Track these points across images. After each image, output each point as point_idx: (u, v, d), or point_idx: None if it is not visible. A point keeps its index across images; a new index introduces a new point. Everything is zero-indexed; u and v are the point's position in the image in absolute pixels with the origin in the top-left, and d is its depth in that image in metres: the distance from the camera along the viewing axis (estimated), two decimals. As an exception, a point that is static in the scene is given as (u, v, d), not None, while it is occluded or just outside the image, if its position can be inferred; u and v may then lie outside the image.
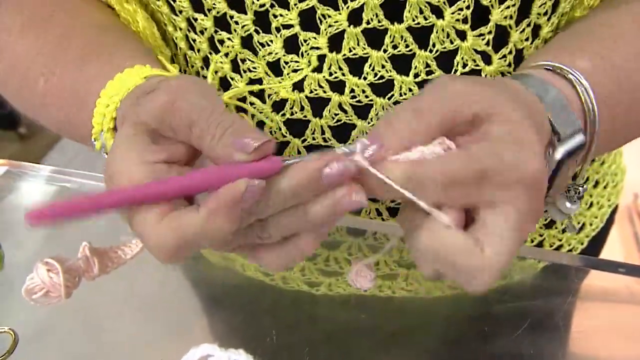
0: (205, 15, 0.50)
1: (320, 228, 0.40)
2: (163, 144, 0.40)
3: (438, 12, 0.48)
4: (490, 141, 0.38)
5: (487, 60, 0.51)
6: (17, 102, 0.57)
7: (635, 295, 0.63)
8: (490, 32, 0.49)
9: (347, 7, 0.48)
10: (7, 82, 0.56)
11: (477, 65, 0.51)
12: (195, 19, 0.51)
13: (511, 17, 0.49)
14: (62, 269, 0.51)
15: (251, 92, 0.53)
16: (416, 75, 0.50)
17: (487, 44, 0.50)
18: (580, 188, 0.49)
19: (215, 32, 0.51)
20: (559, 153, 0.43)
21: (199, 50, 0.53)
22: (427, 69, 0.50)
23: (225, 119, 0.38)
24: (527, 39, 0.51)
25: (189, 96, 0.39)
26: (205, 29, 0.51)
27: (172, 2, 0.51)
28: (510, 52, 0.51)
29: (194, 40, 0.53)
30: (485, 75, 0.51)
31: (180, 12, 0.51)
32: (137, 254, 0.55)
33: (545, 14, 0.51)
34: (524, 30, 0.50)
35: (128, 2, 0.53)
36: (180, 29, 0.53)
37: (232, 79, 0.52)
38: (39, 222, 0.34)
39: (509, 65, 0.51)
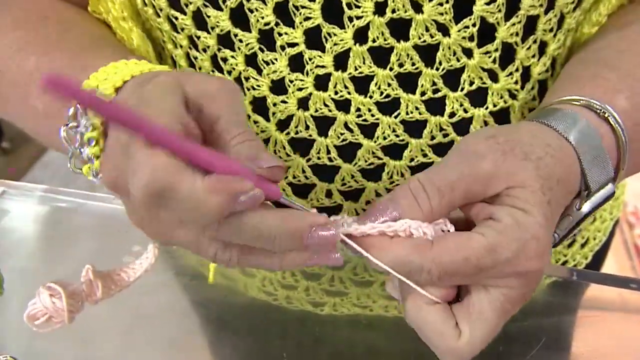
0: (209, 33, 0.49)
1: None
2: (189, 116, 0.38)
3: (444, 30, 0.47)
4: (495, 230, 0.38)
5: (494, 77, 0.50)
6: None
7: (637, 307, 0.62)
8: (496, 50, 0.49)
9: (353, 26, 0.47)
10: None
11: (484, 83, 0.50)
12: (198, 37, 0.50)
13: (517, 34, 0.49)
14: (66, 294, 0.50)
15: (255, 110, 0.52)
16: (423, 94, 0.50)
17: (494, 61, 0.49)
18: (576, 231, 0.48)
19: (219, 50, 0.50)
20: (587, 207, 0.43)
21: (200, 68, 0.52)
22: (434, 87, 0.49)
23: (250, 131, 0.38)
24: (533, 56, 0.51)
25: (232, 96, 0.39)
26: (208, 47, 0.50)
27: (173, 20, 0.50)
28: (517, 70, 0.51)
29: (196, 58, 0.52)
30: (493, 93, 0.50)
31: (182, 29, 0.51)
32: (140, 276, 0.54)
33: (551, 30, 0.50)
34: (530, 47, 0.50)
35: (125, 20, 0.52)
36: (181, 46, 0.52)
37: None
38: (54, 88, 0.32)
39: (516, 82, 0.51)
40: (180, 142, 0.35)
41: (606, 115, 0.44)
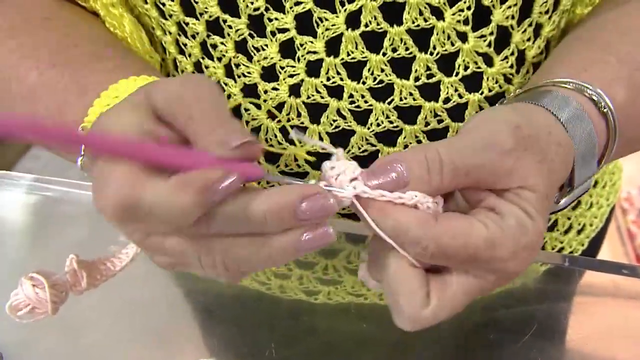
0: (197, 19, 0.48)
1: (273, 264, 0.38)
2: (161, 125, 0.37)
3: (438, 14, 0.46)
4: (496, 224, 0.37)
5: (489, 62, 0.49)
6: None
7: (629, 293, 0.62)
8: (491, 33, 0.48)
9: (345, 10, 0.46)
10: None
11: (479, 68, 0.49)
12: (187, 23, 0.49)
13: (513, 17, 0.48)
14: (48, 284, 0.49)
15: (245, 98, 0.51)
16: (417, 79, 0.49)
17: (489, 45, 0.48)
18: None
19: (208, 36, 0.49)
20: (564, 202, 0.43)
21: (190, 55, 0.51)
22: (428, 72, 0.48)
23: (223, 118, 0.36)
24: (529, 39, 0.50)
25: (200, 90, 0.36)
26: (197, 34, 0.49)
27: (161, 6, 0.49)
28: (512, 54, 0.50)
29: (185, 45, 0.51)
30: (488, 78, 0.49)
31: (170, 16, 0.49)
32: (126, 265, 0.53)
33: (547, 12, 0.49)
34: (525, 30, 0.49)
35: (114, 6, 0.51)
36: (170, 33, 0.51)
37: (225, 84, 0.50)
38: (8, 131, 0.31)
39: (511, 66, 0.50)
40: (139, 147, 0.34)
41: (605, 110, 0.43)
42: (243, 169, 0.35)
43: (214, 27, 0.48)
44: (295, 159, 0.52)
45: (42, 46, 0.50)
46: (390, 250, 0.37)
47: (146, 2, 0.50)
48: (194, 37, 0.50)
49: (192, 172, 0.33)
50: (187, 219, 0.34)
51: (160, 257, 0.38)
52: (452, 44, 0.48)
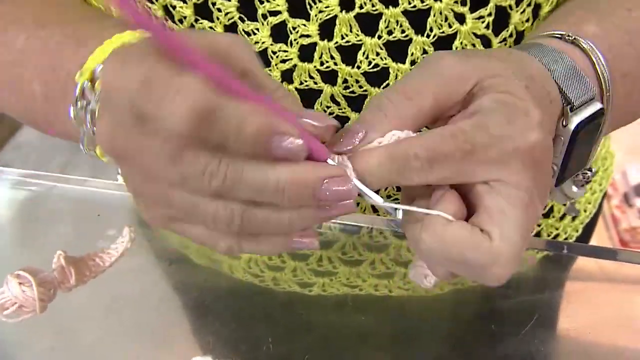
0: (185, 2, 0.46)
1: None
2: None
3: None
4: (479, 114, 0.35)
5: (487, 44, 0.48)
6: None
7: (617, 277, 0.61)
8: (490, 14, 0.47)
9: None
10: None
11: (477, 50, 0.48)
12: (174, 7, 0.47)
13: None
14: (36, 282, 0.47)
15: None
16: (413, 63, 0.47)
17: (487, 26, 0.47)
18: (589, 172, 0.46)
19: (196, 20, 0.47)
20: (573, 123, 0.40)
21: None
22: (425, 55, 0.47)
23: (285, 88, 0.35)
24: (527, 20, 0.49)
25: (247, 47, 0.34)
26: (185, 18, 0.47)
27: (146, -10, 0.47)
28: (510, 35, 0.48)
29: (172, 30, 0.49)
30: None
31: None
32: (116, 260, 0.51)
33: None
34: (524, 10, 0.48)
35: None
36: (157, 17, 0.49)
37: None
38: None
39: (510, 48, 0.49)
40: (233, 79, 0.31)
41: (572, 38, 0.42)
42: (313, 146, 0.33)
43: (203, 10, 0.46)
44: None
45: (27, 13, 0.47)
46: (421, 224, 0.35)
47: None
48: (181, 21, 0.48)
49: (270, 106, 0.31)
50: (252, 144, 0.31)
51: (159, 210, 0.35)
52: (450, 26, 0.46)
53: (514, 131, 0.34)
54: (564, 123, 0.40)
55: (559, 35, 0.42)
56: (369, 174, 0.35)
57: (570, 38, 0.42)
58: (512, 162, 0.34)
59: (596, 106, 0.41)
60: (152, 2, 0.48)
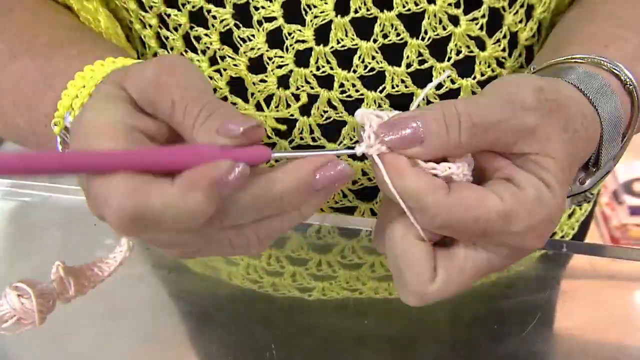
0: (180, 10, 0.46)
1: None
2: (144, 117, 0.34)
3: None
4: (512, 196, 0.34)
5: (481, 45, 0.48)
6: None
7: (609, 274, 0.61)
8: (483, 16, 0.47)
9: None
10: None
11: (471, 52, 0.48)
12: (168, 15, 0.47)
13: None
14: (35, 293, 0.47)
15: (232, 91, 0.49)
16: (408, 66, 0.47)
17: (481, 28, 0.47)
18: (590, 195, 0.46)
19: (191, 28, 0.47)
20: (589, 183, 0.41)
21: (172, 49, 0.49)
22: (420, 58, 0.47)
23: (212, 101, 0.33)
24: (520, 21, 0.49)
25: (178, 72, 0.34)
26: (180, 25, 0.47)
27: (140, -2, 0.47)
28: (504, 37, 0.49)
29: (167, 38, 0.49)
30: (480, 62, 0.48)
31: (151, 7, 0.47)
32: (115, 270, 0.51)
33: None
34: (517, 11, 0.48)
35: (88, 0, 0.49)
36: (150, 26, 0.49)
37: (211, 77, 0.49)
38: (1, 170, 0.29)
39: (504, 49, 0.49)
40: (132, 155, 0.31)
41: (631, 87, 0.41)
42: (250, 154, 0.33)
43: (198, 18, 0.46)
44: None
45: (0, 40, 0.47)
46: (398, 220, 0.35)
47: None
48: (176, 29, 0.48)
49: (198, 169, 0.31)
50: (202, 218, 0.31)
51: (174, 250, 0.36)
52: (444, 28, 0.46)
53: (528, 234, 0.35)
54: (580, 181, 0.41)
55: (622, 78, 0.41)
56: (382, 182, 0.35)
57: (627, 84, 0.41)
58: (504, 248, 0.36)
59: (610, 167, 0.42)
60: (146, 11, 0.48)
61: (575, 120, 0.37)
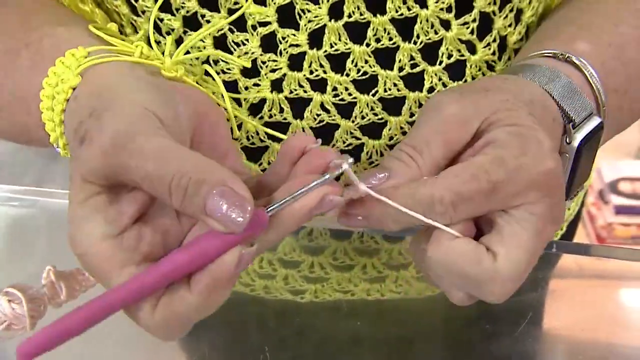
0: (173, 15, 0.46)
1: None
2: (123, 196, 0.34)
3: (422, 2, 0.46)
4: (494, 147, 0.36)
5: (472, 49, 0.49)
6: None
7: (596, 273, 0.62)
8: (474, 20, 0.47)
9: (328, 1, 0.45)
10: None
11: (462, 56, 0.48)
12: (161, 20, 0.47)
13: (495, 3, 0.47)
14: (26, 299, 0.47)
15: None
16: (401, 69, 0.48)
17: (472, 32, 0.48)
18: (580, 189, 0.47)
19: (185, 32, 0.47)
20: (577, 140, 0.41)
21: (163, 53, 0.49)
22: (412, 61, 0.48)
23: (190, 166, 0.32)
24: (510, 25, 0.50)
25: (132, 144, 0.33)
26: (173, 30, 0.47)
27: (133, 2, 0.47)
28: (494, 40, 0.49)
29: (158, 42, 0.49)
30: (471, 66, 0.49)
31: (144, 12, 0.47)
32: (106, 274, 0.51)
33: None
34: (507, 16, 0.49)
35: (83, 2, 0.49)
36: (143, 30, 0.49)
37: (205, 82, 0.49)
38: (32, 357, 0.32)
39: (494, 53, 0.50)
40: (149, 281, 0.33)
41: (566, 56, 0.43)
42: (250, 234, 0.33)
43: (191, 22, 0.46)
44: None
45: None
46: (428, 246, 0.36)
47: None
48: (168, 33, 0.48)
49: (208, 271, 0.32)
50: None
51: None
52: (436, 32, 0.47)
53: (529, 161, 0.35)
54: (567, 140, 0.42)
55: (552, 54, 0.44)
56: (392, 216, 0.36)
57: (563, 56, 0.43)
58: (529, 191, 0.35)
59: (596, 120, 0.42)
60: (139, 15, 0.48)
61: (494, 83, 0.40)
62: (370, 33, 0.46)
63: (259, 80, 0.48)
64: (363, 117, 0.49)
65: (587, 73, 0.43)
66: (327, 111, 0.49)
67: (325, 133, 0.50)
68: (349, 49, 0.47)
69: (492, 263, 0.35)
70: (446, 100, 0.38)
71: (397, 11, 0.45)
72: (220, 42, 0.47)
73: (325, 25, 0.45)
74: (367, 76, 0.48)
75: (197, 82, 0.45)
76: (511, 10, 0.49)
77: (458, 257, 0.35)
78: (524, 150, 0.35)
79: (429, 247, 0.36)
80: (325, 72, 0.47)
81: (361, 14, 0.45)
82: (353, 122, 0.49)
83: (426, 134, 0.37)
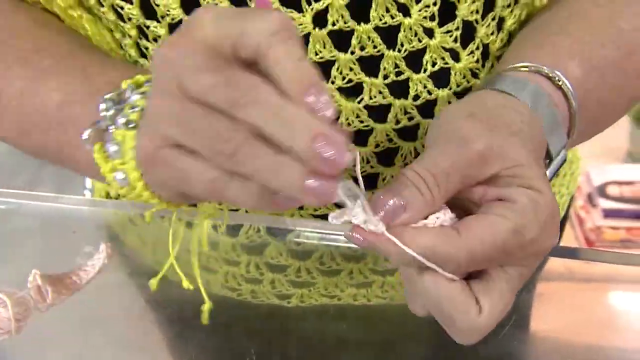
0: (159, 22, 0.47)
1: None
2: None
3: (405, 10, 0.46)
4: (513, 212, 0.36)
5: (456, 57, 0.49)
6: None
7: (585, 276, 0.63)
8: (457, 29, 0.48)
9: (312, 9, 0.45)
10: None
11: (446, 63, 0.49)
12: (147, 27, 0.47)
13: (477, 12, 0.48)
14: (11, 302, 0.47)
15: None
16: (385, 77, 0.48)
17: (455, 40, 0.48)
18: None
19: None
20: (548, 174, 0.43)
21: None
22: (397, 69, 0.48)
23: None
24: (492, 33, 0.50)
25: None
26: (159, 37, 0.47)
27: (119, 9, 0.47)
28: (477, 48, 0.50)
29: (147, 49, 0.49)
30: (455, 73, 0.50)
31: (130, 19, 0.48)
32: (93, 277, 0.51)
33: (509, 5, 0.50)
34: (489, 24, 0.49)
35: (72, 8, 0.49)
36: (130, 36, 0.49)
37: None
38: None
39: (477, 61, 0.50)
40: None
41: (559, 82, 0.43)
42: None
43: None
44: None
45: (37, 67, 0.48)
46: (424, 273, 0.37)
47: (102, 5, 0.48)
48: (155, 40, 0.48)
49: None
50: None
51: (166, 128, 0.34)
52: (420, 41, 0.47)
53: (544, 239, 0.37)
54: None
55: (546, 74, 0.44)
56: (401, 255, 0.36)
57: (556, 80, 0.43)
58: (531, 258, 0.38)
59: (563, 156, 0.43)
60: (125, 22, 0.48)
61: (514, 120, 0.39)
62: (354, 41, 0.47)
63: None
64: (349, 125, 0.49)
65: (574, 106, 0.44)
66: None
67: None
68: (334, 56, 0.47)
69: (476, 316, 0.37)
70: (471, 134, 0.38)
71: (380, 19, 0.46)
72: None
73: (309, 33, 0.46)
74: (352, 84, 0.48)
75: None
76: (493, 19, 0.49)
77: (449, 300, 0.37)
78: (543, 226, 0.36)
79: (425, 281, 0.37)
80: None
81: (345, 22, 0.46)
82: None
83: (448, 166, 0.37)
